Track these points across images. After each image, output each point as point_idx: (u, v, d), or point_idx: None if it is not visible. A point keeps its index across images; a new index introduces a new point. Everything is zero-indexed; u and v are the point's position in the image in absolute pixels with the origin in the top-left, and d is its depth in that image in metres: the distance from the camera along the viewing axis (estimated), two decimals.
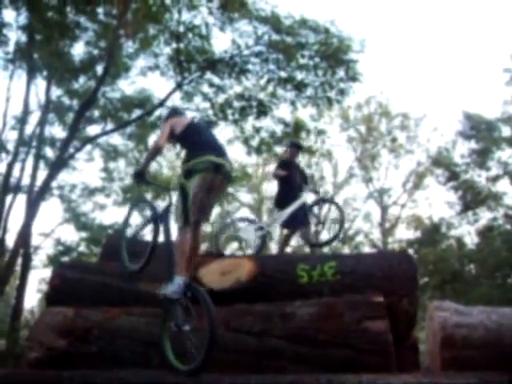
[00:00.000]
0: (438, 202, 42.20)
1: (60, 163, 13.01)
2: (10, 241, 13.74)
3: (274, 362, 4.48)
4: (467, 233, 23.29)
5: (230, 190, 21.17)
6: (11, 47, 14.30)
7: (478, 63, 49.01)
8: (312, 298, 4.99)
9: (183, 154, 4.91)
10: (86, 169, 33.53)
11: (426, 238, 22.90)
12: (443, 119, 46.85)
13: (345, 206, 26.17)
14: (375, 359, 4.35)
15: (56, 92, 15.58)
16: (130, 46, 14.58)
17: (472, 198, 21.16)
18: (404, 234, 28.98)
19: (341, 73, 12.37)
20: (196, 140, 4.66)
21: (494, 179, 21.33)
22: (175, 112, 5.32)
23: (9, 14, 20.09)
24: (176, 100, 13.76)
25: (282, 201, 7.79)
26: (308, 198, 8.04)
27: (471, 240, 23.30)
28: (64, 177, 17.09)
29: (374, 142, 28.76)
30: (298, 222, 7.60)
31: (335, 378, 3.64)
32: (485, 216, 21.75)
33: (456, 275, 20.24)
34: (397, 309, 4.96)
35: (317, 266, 5.39)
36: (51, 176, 12.80)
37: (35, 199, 12.64)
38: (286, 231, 8.09)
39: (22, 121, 14.09)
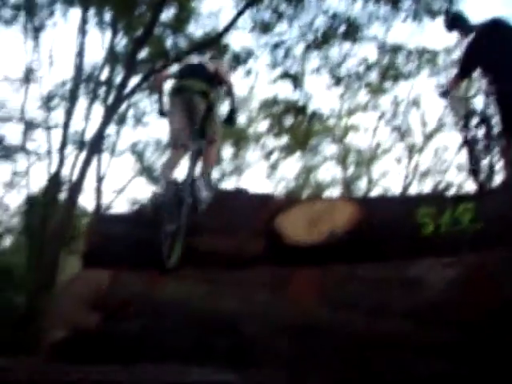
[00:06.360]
0: None
1: (118, 102, 11.89)
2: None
3: (393, 351, 2.97)
4: None
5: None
6: None
7: None
8: (442, 256, 3.40)
9: None
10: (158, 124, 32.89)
11: None
12: None
13: (435, 158, 23.82)
14: None
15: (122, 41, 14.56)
16: None
17: None
18: None
19: None
20: None
21: None
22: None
23: None
24: (247, 23, 11.92)
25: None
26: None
27: None
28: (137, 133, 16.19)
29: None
30: None
31: None
32: None
33: None
34: None
35: (446, 210, 3.77)
36: (108, 116, 11.67)
37: (92, 146, 11.54)
38: None
39: (78, 68, 13.17)
